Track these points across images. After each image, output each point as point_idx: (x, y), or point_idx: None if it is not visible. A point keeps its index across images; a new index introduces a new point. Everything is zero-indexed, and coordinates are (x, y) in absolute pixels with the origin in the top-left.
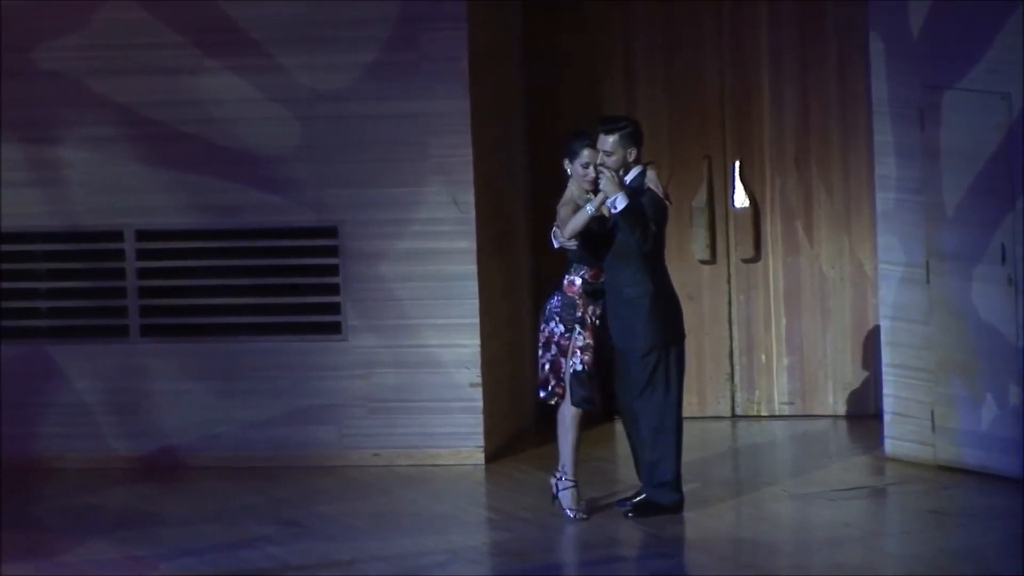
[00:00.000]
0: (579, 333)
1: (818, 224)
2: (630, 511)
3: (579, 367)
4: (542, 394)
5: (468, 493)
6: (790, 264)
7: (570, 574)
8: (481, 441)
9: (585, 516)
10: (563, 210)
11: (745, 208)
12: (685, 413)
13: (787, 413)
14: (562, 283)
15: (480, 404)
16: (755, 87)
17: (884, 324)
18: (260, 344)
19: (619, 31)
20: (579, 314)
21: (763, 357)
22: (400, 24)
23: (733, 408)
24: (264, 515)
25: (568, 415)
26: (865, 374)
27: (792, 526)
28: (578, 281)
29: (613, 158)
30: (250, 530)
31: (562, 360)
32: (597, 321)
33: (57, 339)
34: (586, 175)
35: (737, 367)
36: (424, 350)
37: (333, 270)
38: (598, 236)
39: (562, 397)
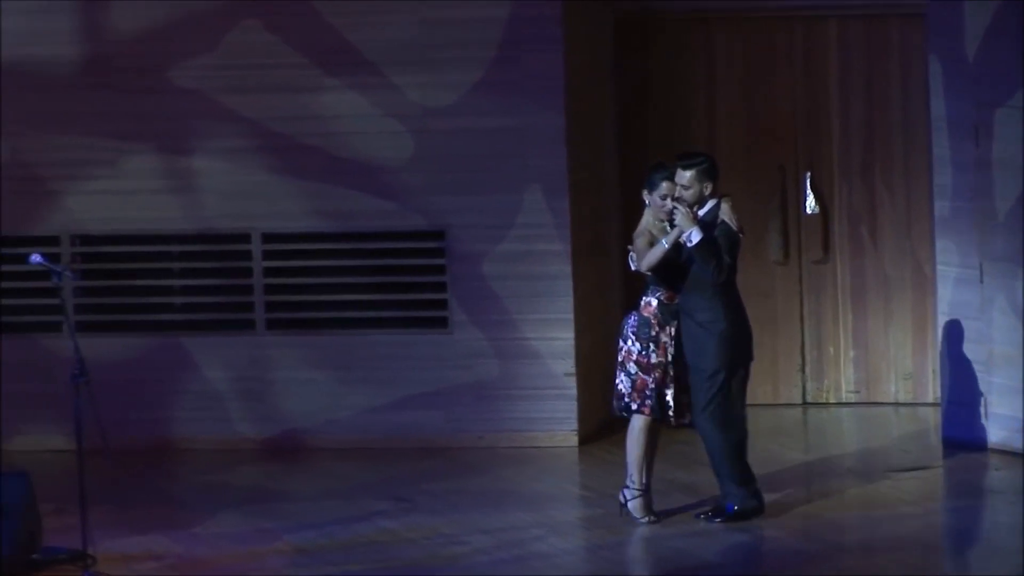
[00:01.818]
0: (653, 351)
1: (882, 229)
2: (709, 512)
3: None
4: (617, 410)
5: (563, 473)
6: (856, 265)
7: (655, 547)
8: (575, 425)
9: (655, 520)
10: (639, 240)
11: (815, 213)
12: (761, 401)
13: (853, 401)
14: (639, 303)
15: (575, 392)
16: (824, 103)
17: (941, 320)
18: (374, 337)
19: (702, 52)
20: (653, 333)
21: (831, 350)
22: (503, 47)
23: (804, 396)
24: (378, 492)
25: (636, 427)
26: (924, 365)
27: (857, 503)
28: (654, 302)
29: (690, 192)
30: (365, 505)
31: (646, 378)
32: (670, 341)
33: (190, 332)
34: (663, 206)
35: (808, 359)
36: (523, 343)
37: (441, 270)
38: (672, 264)
39: (635, 412)
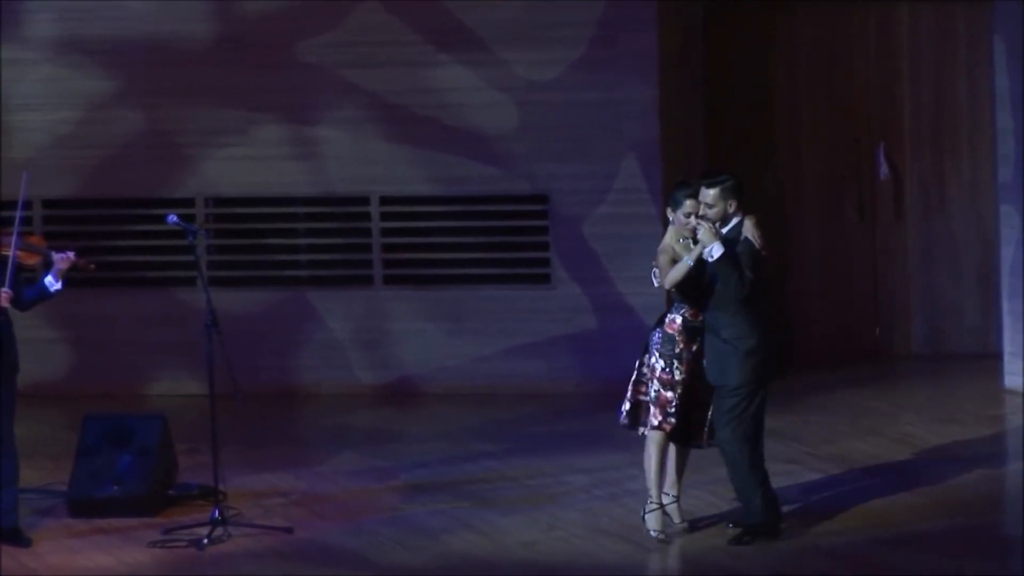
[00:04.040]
0: (676, 367)
1: (949, 194)
2: (730, 524)
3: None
4: (623, 419)
5: None
6: (925, 227)
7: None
8: None
9: (665, 539)
10: (661, 257)
11: (888, 180)
12: (836, 352)
13: (922, 352)
14: (664, 319)
15: None
16: (897, 80)
17: (1004, 279)
18: (482, 292)
19: (785, 33)
20: (677, 350)
21: (902, 305)
22: (601, 26)
23: (877, 348)
24: (484, 434)
25: (652, 442)
26: (987, 320)
27: (927, 449)
28: (678, 319)
29: (714, 210)
30: (472, 447)
31: (667, 394)
32: (693, 358)
33: (314, 286)
34: (687, 223)
35: (881, 313)
36: (618, 297)
37: (544, 231)
38: (696, 281)
39: (655, 428)
